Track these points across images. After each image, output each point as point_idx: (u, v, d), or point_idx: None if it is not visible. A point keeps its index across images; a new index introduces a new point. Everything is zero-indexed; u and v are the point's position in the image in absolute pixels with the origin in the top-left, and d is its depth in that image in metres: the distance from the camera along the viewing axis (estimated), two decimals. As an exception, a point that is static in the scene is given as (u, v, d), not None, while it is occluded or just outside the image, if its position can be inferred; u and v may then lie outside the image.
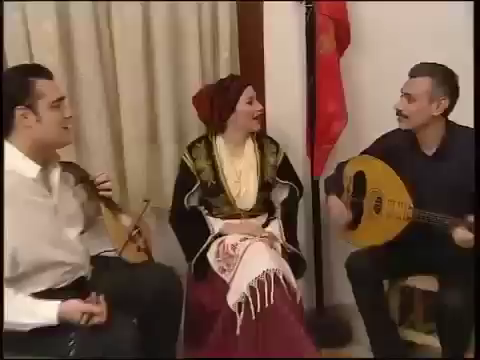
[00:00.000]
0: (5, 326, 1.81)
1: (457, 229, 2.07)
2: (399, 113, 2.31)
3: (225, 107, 2.51)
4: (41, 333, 1.84)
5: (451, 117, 2.49)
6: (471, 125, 2.29)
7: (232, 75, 2.64)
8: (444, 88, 2.23)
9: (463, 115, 2.39)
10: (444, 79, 2.24)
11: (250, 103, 2.52)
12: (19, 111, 1.88)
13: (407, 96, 2.27)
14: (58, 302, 1.85)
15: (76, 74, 2.54)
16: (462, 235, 2.06)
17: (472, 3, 2.60)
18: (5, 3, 2.37)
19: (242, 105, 2.51)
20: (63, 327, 1.82)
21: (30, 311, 1.84)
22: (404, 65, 2.32)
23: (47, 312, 1.83)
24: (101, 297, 1.88)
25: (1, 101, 2.13)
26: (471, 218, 2.04)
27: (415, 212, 2.22)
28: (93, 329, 1.81)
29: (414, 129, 2.33)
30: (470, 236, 2.02)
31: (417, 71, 2.27)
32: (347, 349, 2.86)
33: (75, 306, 1.85)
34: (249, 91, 2.52)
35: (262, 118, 2.63)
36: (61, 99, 1.96)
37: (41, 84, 1.90)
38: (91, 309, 1.83)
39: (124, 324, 1.91)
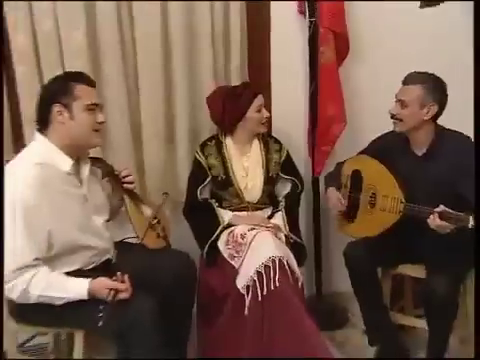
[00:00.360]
0: (40, 300, 1.89)
1: (430, 216, 2.10)
2: (393, 117, 2.34)
3: (236, 113, 2.54)
4: (73, 306, 1.90)
5: (453, 117, 2.47)
6: (471, 125, 2.28)
7: (244, 83, 2.68)
8: (434, 95, 2.26)
9: (464, 115, 2.46)
10: (434, 87, 2.27)
11: (259, 111, 2.55)
12: (55, 108, 1.93)
13: (401, 102, 2.30)
14: (88, 280, 1.91)
15: (102, 77, 2.56)
16: (433, 222, 2.09)
17: (471, 3, 2.60)
18: (37, 13, 2.42)
19: (252, 113, 2.53)
20: (92, 302, 1.87)
21: (63, 287, 1.90)
22: (398, 74, 2.34)
23: (79, 288, 1.90)
24: (125, 276, 1.93)
25: (1, 102, 2.37)
26: (443, 207, 2.08)
27: (406, 206, 2.26)
28: (118, 304, 1.86)
29: (406, 132, 2.36)
30: (438, 223, 2.07)
31: (410, 79, 2.31)
32: (343, 331, 2.90)
33: (103, 283, 1.90)
34: (259, 100, 2.55)
35: (269, 122, 2.66)
36: (95, 105, 2.00)
37: (79, 89, 1.95)
38: (117, 286, 1.88)
39: (144, 300, 1.94)
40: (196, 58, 2.71)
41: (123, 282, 1.91)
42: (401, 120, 2.32)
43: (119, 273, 1.95)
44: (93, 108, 1.99)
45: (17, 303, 1.96)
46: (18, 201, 1.84)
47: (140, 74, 2.64)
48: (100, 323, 1.81)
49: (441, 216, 2.07)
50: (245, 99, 2.54)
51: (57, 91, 1.96)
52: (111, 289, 1.88)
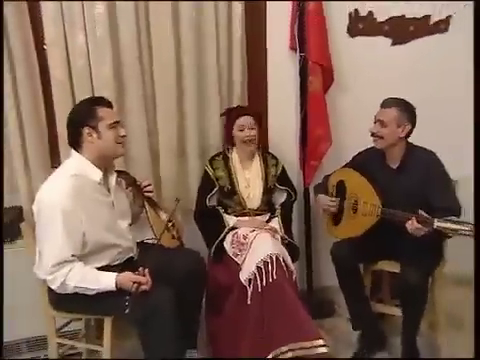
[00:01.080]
0: (76, 290, 1.94)
1: (409, 221, 2.13)
2: (374, 135, 2.36)
3: (227, 130, 2.63)
4: (102, 296, 1.94)
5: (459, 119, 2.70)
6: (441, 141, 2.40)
7: (237, 106, 2.71)
8: (407, 116, 2.31)
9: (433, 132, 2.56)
10: (406, 109, 2.32)
11: (242, 130, 2.56)
12: (85, 130, 1.98)
13: (380, 122, 2.33)
14: (115, 273, 1.96)
15: (126, 104, 2.60)
16: (410, 226, 2.12)
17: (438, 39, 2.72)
18: (72, 52, 2.46)
19: (236, 131, 2.59)
20: (118, 292, 1.92)
21: (96, 279, 1.95)
22: (375, 100, 2.37)
23: (108, 280, 1.94)
24: (146, 271, 1.96)
25: (1, 103, 2.36)
26: (422, 212, 2.11)
27: (383, 211, 2.29)
28: (141, 294, 1.91)
29: (384, 148, 2.38)
30: (418, 226, 2.09)
31: (387, 103, 2.35)
32: (331, 320, 2.90)
33: (128, 277, 1.95)
34: (241, 120, 2.56)
35: (254, 140, 2.59)
36: (117, 122, 2.05)
37: (102, 111, 2.01)
38: (139, 279, 1.93)
39: (163, 291, 1.97)
40: (204, 91, 2.74)
41: (144, 276, 1.95)
42: (382, 137, 2.34)
43: (141, 268, 1.98)
44: (115, 125, 2.03)
45: (55, 293, 1.99)
46: (58, 207, 1.88)
47: (157, 102, 2.67)
48: (126, 310, 1.88)
49: (418, 220, 2.10)
50: (231, 119, 2.61)
51: (85, 116, 1.99)
52: (134, 282, 1.92)
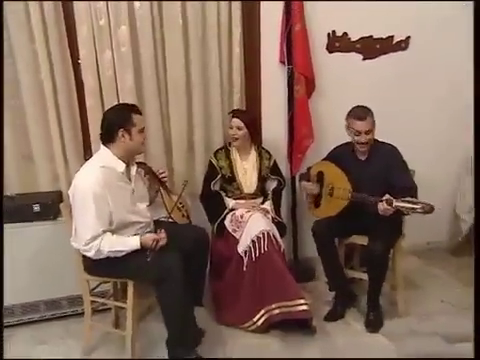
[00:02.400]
0: (109, 254, 1.94)
1: (379, 204, 2.14)
2: (363, 143, 2.33)
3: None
4: (126, 261, 1.98)
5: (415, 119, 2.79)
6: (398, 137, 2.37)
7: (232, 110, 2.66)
8: (374, 120, 2.33)
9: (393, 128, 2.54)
10: (372, 114, 2.32)
11: (231, 128, 2.54)
12: (121, 132, 1.97)
13: (365, 132, 2.30)
14: (138, 236, 2.01)
15: (145, 108, 2.57)
16: (381, 207, 2.13)
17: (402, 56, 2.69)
18: (101, 63, 2.46)
19: (228, 129, 2.59)
20: (140, 257, 1.91)
21: (124, 242, 1.98)
22: (348, 104, 2.38)
23: (133, 241, 1.98)
24: (163, 231, 2.03)
25: (1, 103, 2.34)
26: (388, 196, 2.10)
27: (353, 195, 2.32)
28: (158, 256, 1.91)
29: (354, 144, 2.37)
30: (387, 207, 2.09)
31: (361, 115, 2.30)
32: (312, 283, 2.90)
33: (149, 235, 2.02)
34: (231, 121, 2.53)
35: (238, 139, 2.54)
36: (144, 128, 2.06)
37: (136, 117, 2.00)
38: (159, 237, 1.99)
39: (175, 257, 1.99)
40: (209, 98, 2.73)
41: (162, 234, 2.01)
42: (367, 143, 2.34)
43: (159, 229, 2.04)
44: (143, 130, 2.04)
45: (88, 260, 2.01)
46: (89, 192, 1.89)
47: (170, 107, 2.68)
48: (148, 259, 1.89)
49: (388, 202, 2.10)
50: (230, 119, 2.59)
51: (122, 120, 1.98)
52: (154, 239, 1.97)
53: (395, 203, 2.05)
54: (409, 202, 2.04)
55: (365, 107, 2.34)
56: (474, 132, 1.99)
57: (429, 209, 1.97)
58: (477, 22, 2.16)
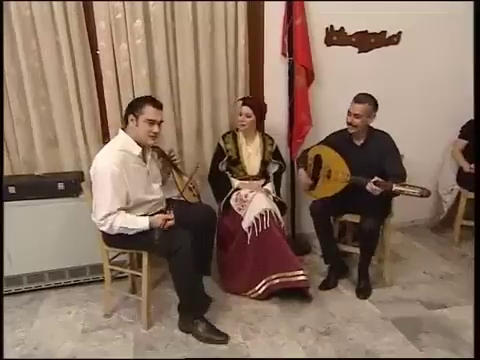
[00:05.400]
0: (120, 231, 1.95)
1: (368, 184, 2.13)
2: (350, 124, 2.32)
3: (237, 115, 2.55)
4: (140, 236, 1.99)
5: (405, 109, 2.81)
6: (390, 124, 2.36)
7: (242, 97, 2.61)
8: (373, 108, 2.29)
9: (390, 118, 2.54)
10: (374, 103, 2.29)
11: (240, 115, 2.51)
12: (130, 116, 2.00)
13: (355, 115, 2.28)
14: (148, 217, 2.01)
15: (157, 97, 2.43)
16: (369, 186, 2.13)
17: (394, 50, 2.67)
18: (118, 56, 2.44)
19: (237, 116, 2.54)
20: (151, 232, 1.94)
21: (134, 221, 1.98)
22: (345, 94, 2.36)
23: (143, 221, 1.98)
24: (172, 211, 2.05)
25: (1, 105, 2.33)
26: (377, 178, 2.10)
27: (350, 177, 2.29)
28: (168, 232, 1.93)
29: (354, 132, 2.35)
30: (375, 187, 2.09)
31: (360, 99, 2.28)
32: (308, 256, 2.93)
33: (159, 216, 2.03)
34: (242, 108, 2.48)
35: (244, 125, 2.50)
36: (153, 120, 1.98)
37: (148, 108, 1.97)
38: (167, 216, 1.99)
39: (185, 232, 2.00)
40: (216, 88, 2.71)
41: (171, 214, 2.02)
42: (356, 126, 2.31)
43: (167, 210, 2.07)
44: (152, 122, 1.98)
45: (107, 234, 2.02)
46: (108, 172, 1.90)
47: (181, 96, 2.67)
48: (156, 236, 1.91)
49: (375, 183, 2.10)
50: (236, 106, 2.60)
51: (135, 107, 1.99)
52: (163, 219, 1.98)
53: (395, 187, 2.04)
54: (408, 186, 2.02)
55: (368, 95, 2.31)
56: (475, 130, 1.98)
57: (426, 193, 1.96)
58: (477, 22, 2.12)
